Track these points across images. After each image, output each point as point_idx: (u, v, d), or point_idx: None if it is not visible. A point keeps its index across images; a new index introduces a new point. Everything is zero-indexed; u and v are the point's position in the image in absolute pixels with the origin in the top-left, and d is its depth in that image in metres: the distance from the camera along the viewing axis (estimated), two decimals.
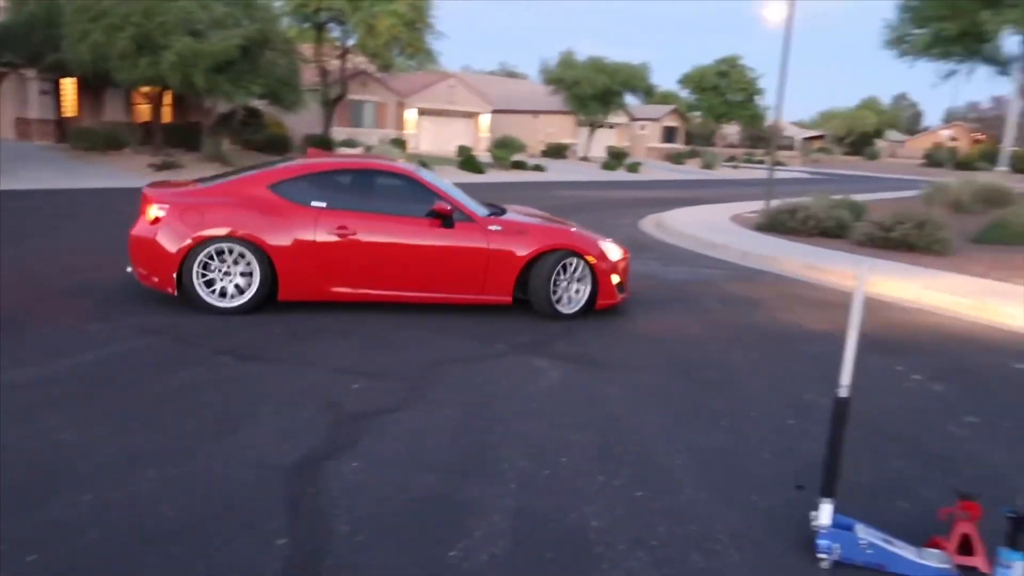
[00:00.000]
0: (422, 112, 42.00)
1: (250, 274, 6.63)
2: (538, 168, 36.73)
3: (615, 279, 7.49)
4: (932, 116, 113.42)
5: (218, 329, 6.10)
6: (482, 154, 37.95)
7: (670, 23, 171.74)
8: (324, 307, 7.03)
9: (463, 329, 6.74)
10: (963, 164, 64.55)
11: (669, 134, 57.46)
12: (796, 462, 4.23)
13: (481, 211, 7.42)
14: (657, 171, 44.40)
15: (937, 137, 78.67)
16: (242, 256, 6.59)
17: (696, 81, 51.09)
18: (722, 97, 50.13)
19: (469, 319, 7.09)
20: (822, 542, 3.16)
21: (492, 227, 7.18)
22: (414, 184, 7.26)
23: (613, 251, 7.57)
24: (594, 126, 44.82)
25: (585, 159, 45.06)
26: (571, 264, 7.29)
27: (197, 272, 6.53)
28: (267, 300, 6.74)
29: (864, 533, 3.18)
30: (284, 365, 5.38)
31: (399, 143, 36.67)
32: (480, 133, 45.09)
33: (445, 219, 7.03)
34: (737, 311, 8.28)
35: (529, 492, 3.67)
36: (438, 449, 4.10)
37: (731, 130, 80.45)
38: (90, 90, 27.59)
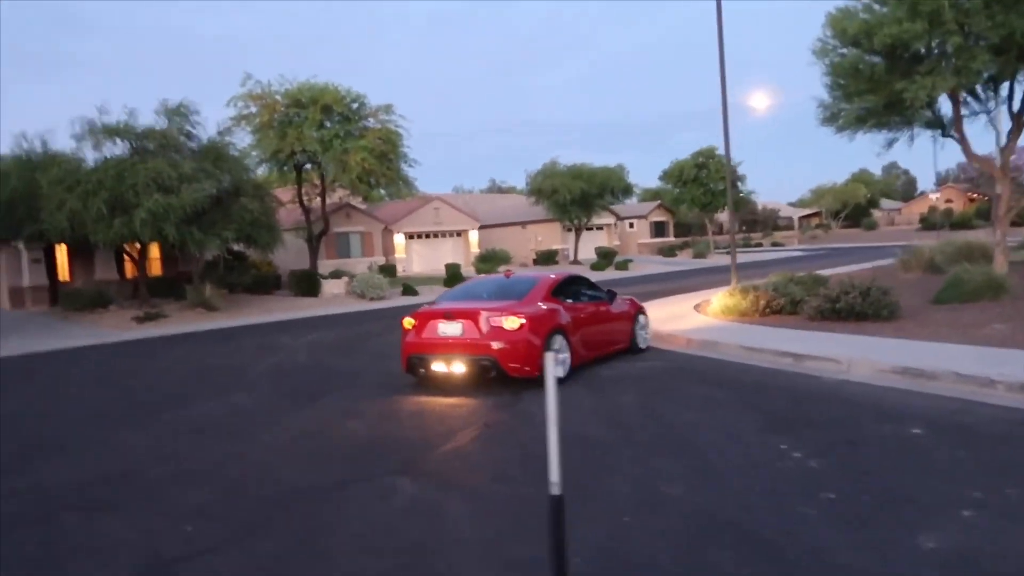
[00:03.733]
0: (409, 236, 43.05)
1: (565, 351, 9.61)
2: None
3: None
4: (926, 180, 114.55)
5: None
6: (470, 269, 38.57)
7: (648, 126, 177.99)
8: (166, 443, 7.03)
9: (343, 449, 6.68)
10: (958, 224, 64.62)
11: (659, 228, 58.27)
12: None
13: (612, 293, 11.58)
14: (648, 266, 44.78)
15: (930, 201, 79.20)
16: (561, 341, 9.53)
17: (677, 175, 52.25)
18: (704, 187, 51.04)
19: (351, 438, 7.04)
20: None
21: (620, 300, 11.67)
22: (588, 281, 11.43)
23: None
24: (579, 229, 45.61)
25: (576, 262, 45.58)
26: (642, 319, 12.17)
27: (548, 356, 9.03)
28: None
29: None
30: (105, 512, 5.31)
31: (387, 269, 37.42)
32: (471, 249, 45.97)
33: (611, 299, 11.40)
34: (647, 400, 8.12)
35: None
36: None
37: (724, 216, 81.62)
38: (80, 253, 28.60)
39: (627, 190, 45.12)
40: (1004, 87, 18.66)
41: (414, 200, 47.13)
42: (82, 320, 23.84)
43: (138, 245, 25.55)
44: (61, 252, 28.85)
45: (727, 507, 4.83)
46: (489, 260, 35.67)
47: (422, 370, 9.69)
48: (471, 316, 9.35)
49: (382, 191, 34.13)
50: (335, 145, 30.00)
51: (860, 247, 53.81)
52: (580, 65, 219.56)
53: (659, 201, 58.98)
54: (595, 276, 38.90)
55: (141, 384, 11.96)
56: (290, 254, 35.82)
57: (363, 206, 43.61)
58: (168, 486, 6.00)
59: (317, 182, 33.55)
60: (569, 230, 46.75)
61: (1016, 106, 18.39)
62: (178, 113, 24.19)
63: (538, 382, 9.21)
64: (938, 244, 24.87)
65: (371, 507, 5.20)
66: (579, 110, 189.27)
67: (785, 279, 16.85)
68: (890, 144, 20.17)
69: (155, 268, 32.82)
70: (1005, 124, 19.41)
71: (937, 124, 19.99)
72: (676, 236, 61.35)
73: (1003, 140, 19.14)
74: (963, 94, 19.81)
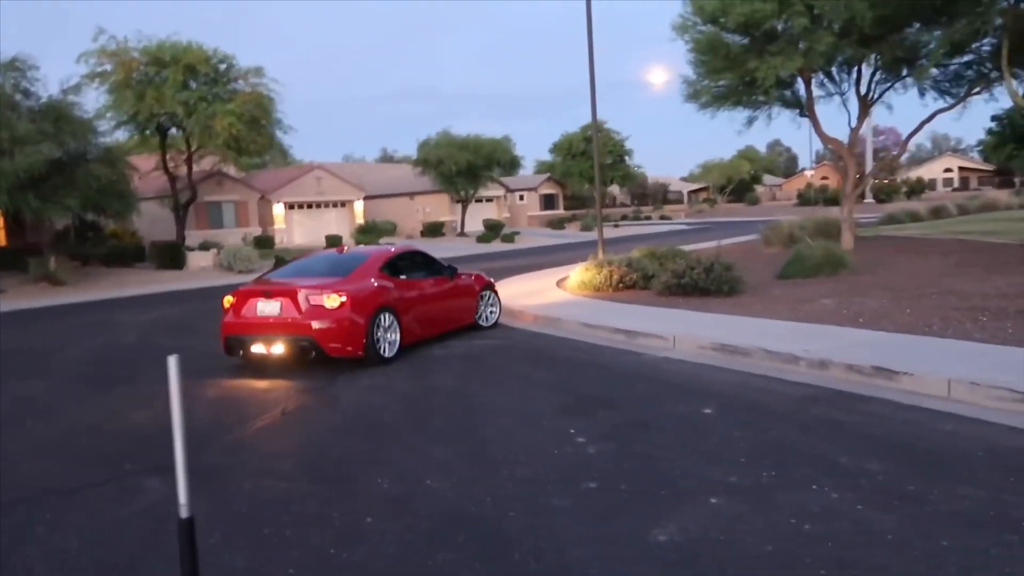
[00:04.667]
0: (290, 206, 41.47)
1: (395, 330, 9.24)
2: None
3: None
4: (807, 158, 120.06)
5: None
6: (352, 242, 37.53)
7: (552, 98, 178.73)
8: None
9: (112, 444, 6.12)
10: (832, 200, 67.98)
11: (549, 201, 58.58)
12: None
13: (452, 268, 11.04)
14: (535, 238, 44.90)
15: (807, 178, 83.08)
16: (389, 319, 9.15)
17: (566, 148, 52.52)
18: (591, 161, 51.42)
19: (129, 431, 6.46)
20: None
21: (464, 276, 11.25)
22: (427, 256, 11.03)
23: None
24: (466, 201, 45.17)
25: (463, 234, 45.20)
26: (489, 296, 11.79)
27: (374, 337, 8.83)
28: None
29: None
30: None
31: (264, 240, 35.88)
32: (356, 220, 44.75)
33: (451, 275, 10.89)
34: (464, 382, 7.87)
35: None
36: None
37: (616, 190, 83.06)
38: None
39: (513, 163, 44.89)
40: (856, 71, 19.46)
41: (294, 168, 45.52)
42: None
43: None
44: None
45: (482, 501, 4.61)
46: (370, 232, 34.80)
47: (241, 352, 9.15)
48: (289, 294, 8.88)
49: (256, 159, 32.62)
50: (200, 108, 28.28)
51: (740, 221, 55.79)
52: (483, 34, 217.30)
53: (548, 174, 59.18)
54: (481, 248, 38.70)
55: None
56: (157, 224, 33.77)
57: (240, 174, 41.67)
58: None
59: (184, 148, 31.64)
60: (457, 202, 46.25)
61: (864, 89, 19.20)
62: (12, 68, 22.05)
63: (362, 362, 8.86)
64: (799, 220, 25.92)
65: (98, 514, 4.70)
66: (481, 80, 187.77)
67: (644, 254, 17.08)
68: (750, 122, 20.78)
69: None
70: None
71: (795, 104, 20.67)
72: (568, 209, 61.83)
73: (854, 121, 20.00)
74: (820, 76, 20.53)
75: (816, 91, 20.64)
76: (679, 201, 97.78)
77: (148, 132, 30.74)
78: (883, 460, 5.00)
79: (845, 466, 4.92)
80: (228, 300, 9.33)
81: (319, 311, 8.69)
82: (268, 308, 8.93)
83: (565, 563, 3.74)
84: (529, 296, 15.00)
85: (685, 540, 3.94)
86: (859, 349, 8.06)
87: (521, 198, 56.39)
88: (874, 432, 5.64)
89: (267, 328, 8.88)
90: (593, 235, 45.33)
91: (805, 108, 20.09)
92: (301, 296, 8.79)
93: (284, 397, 7.67)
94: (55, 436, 6.63)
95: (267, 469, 5.41)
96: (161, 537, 4.31)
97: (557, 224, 52.87)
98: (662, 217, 71.33)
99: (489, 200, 51.71)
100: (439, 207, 48.44)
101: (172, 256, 28.60)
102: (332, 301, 8.69)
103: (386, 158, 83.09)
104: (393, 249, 10.61)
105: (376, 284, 9.38)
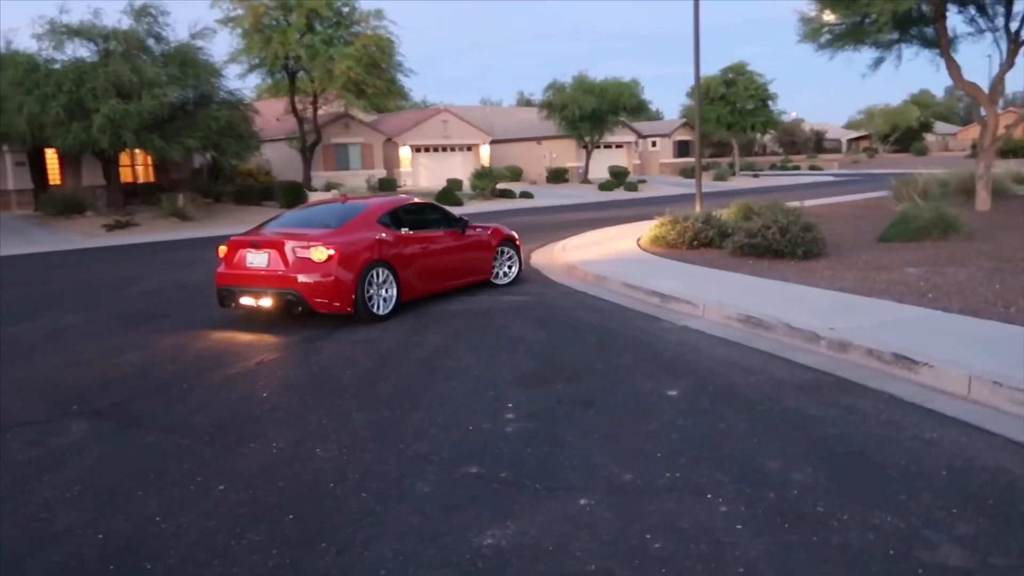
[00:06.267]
0: (416, 149, 42.18)
1: (391, 285, 8.90)
2: (526, 195, 36.27)
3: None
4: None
5: None
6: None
7: (708, 36, 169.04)
8: None
9: (81, 384, 6.39)
10: (1010, 152, 60.53)
11: (683, 148, 56.06)
12: None
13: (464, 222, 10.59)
14: (661, 187, 43.29)
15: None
16: (384, 274, 8.81)
17: (703, 93, 49.67)
18: (731, 105, 48.52)
19: (108, 371, 6.73)
20: None
21: (478, 229, 10.74)
22: (435, 208, 10.71)
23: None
24: (590, 147, 44.05)
25: (586, 181, 44.31)
26: (507, 251, 11.19)
27: (365, 293, 8.52)
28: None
29: None
30: None
31: (388, 183, 36.80)
32: (482, 164, 44.92)
33: (462, 228, 10.40)
34: (450, 342, 7.59)
35: None
36: None
37: (764, 138, 78.19)
38: (70, 157, 28.69)
39: (639, 107, 43.10)
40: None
41: (421, 111, 46.15)
42: (56, 225, 24.08)
43: (111, 151, 25.39)
44: (51, 156, 28.99)
45: (349, 477, 4.37)
46: (485, 177, 34.70)
47: (232, 303, 8.88)
48: (276, 246, 8.52)
49: (376, 101, 33.34)
50: (322, 52, 29.12)
51: (896, 173, 50.95)
52: None
53: (684, 120, 56.46)
54: (599, 196, 37.72)
55: (8, 296, 11.91)
56: (289, 165, 35.51)
57: (370, 117, 42.78)
58: None
59: (310, 91, 32.82)
60: (582, 147, 45.26)
61: (1015, 25, 16.65)
62: (144, 14, 23.52)
63: (355, 319, 8.63)
64: (944, 174, 23.15)
65: (3, 456, 4.90)
66: (635, 16, 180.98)
67: (741, 208, 15.99)
68: (876, 64, 18.59)
69: (148, 175, 32.94)
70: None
71: (935, 42, 18.29)
72: (705, 157, 59.01)
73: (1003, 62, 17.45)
74: (971, 10, 18.06)
75: (965, 27, 18.20)
76: (836, 150, 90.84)
77: (278, 76, 32.15)
78: (819, 469, 4.27)
79: (767, 473, 4.25)
80: (222, 250, 9.07)
81: (306, 264, 8.34)
82: (256, 259, 8.65)
83: (361, 560, 3.44)
84: (596, 249, 14.44)
85: (510, 547, 3.52)
86: (895, 330, 7.01)
87: (653, 144, 54.36)
88: (838, 432, 4.85)
89: (255, 280, 8.62)
90: (723, 185, 43.19)
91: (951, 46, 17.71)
92: (288, 248, 8.44)
93: (271, 348, 7.73)
94: (41, 371, 7.02)
95: (184, 423, 5.43)
96: (32, 485, 4.41)
97: (689, 173, 50.58)
98: (812, 167, 66.65)
99: (619, 146, 50.21)
100: (566, 152, 47.64)
101: (295, 196, 29.86)
102: (319, 254, 8.30)
103: (523, 102, 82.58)
104: (394, 200, 10.07)
105: (369, 237, 8.87)
